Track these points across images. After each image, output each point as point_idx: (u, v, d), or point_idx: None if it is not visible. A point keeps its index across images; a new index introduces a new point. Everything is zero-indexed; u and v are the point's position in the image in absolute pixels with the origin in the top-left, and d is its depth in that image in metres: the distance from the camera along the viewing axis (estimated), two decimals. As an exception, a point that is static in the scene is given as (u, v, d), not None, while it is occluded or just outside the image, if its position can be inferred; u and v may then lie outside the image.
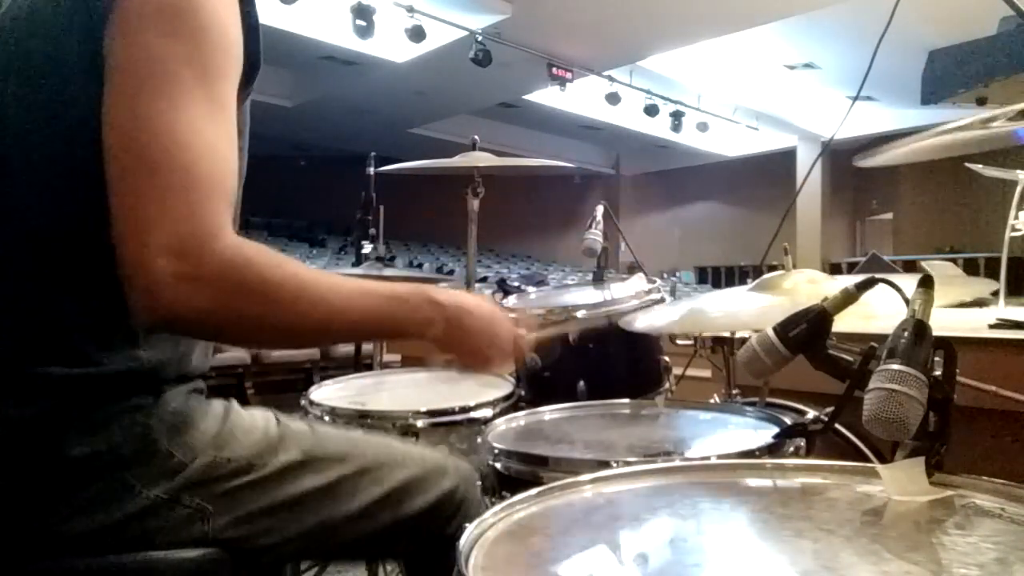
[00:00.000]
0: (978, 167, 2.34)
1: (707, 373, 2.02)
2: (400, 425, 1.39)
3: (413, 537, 1.02)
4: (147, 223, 0.74)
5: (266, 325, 0.82)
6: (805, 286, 1.22)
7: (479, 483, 1.11)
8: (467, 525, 0.69)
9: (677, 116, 11.64)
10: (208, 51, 0.81)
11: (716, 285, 14.85)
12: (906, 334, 0.71)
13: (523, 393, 1.59)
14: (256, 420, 0.96)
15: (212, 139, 0.79)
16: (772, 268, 1.42)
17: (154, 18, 0.80)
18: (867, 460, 1.14)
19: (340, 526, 0.95)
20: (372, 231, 2.50)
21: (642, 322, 1.37)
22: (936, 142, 1.15)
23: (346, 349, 4.33)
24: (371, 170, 2.49)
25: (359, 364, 2.53)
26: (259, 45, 0.89)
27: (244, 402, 0.98)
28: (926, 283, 0.77)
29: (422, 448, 1.14)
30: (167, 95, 0.78)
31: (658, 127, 12.07)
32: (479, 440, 1.19)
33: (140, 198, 0.75)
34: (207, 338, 0.90)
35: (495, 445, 1.12)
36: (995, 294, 2.05)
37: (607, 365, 1.56)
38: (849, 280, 1.03)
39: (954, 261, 7.77)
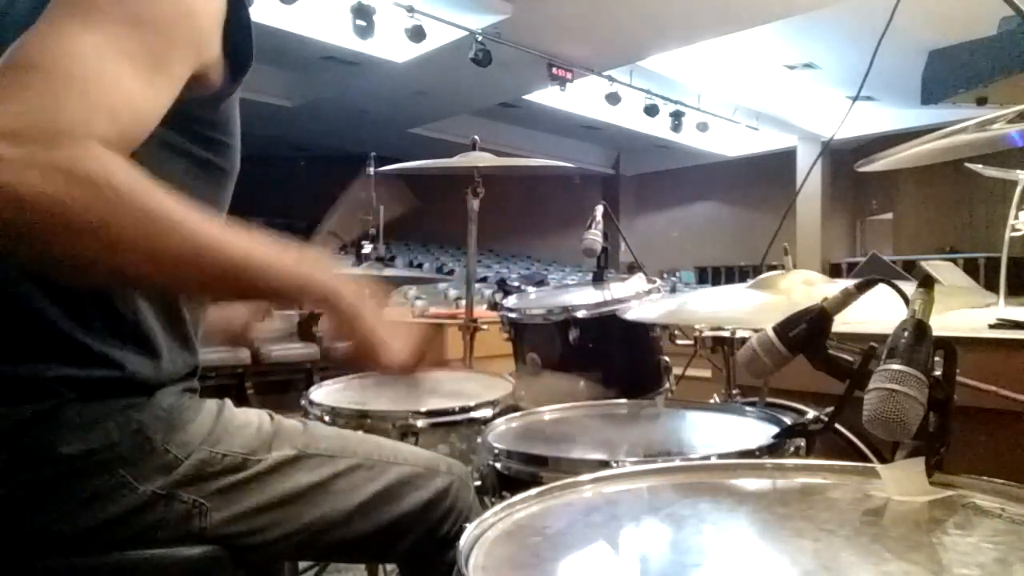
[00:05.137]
0: (978, 167, 2.34)
1: (707, 373, 2.01)
2: (400, 425, 1.39)
3: (407, 537, 1.01)
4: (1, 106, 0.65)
5: (111, 233, 0.66)
6: (801, 287, 1.22)
7: (473, 484, 1.11)
8: (467, 525, 0.69)
9: (677, 116, 11.63)
10: (153, 7, 0.76)
11: (716, 285, 14.84)
12: (906, 334, 0.71)
13: (523, 393, 1.59)
14: (250, 417, 0.96)
15: (118, 73, 0.71)
16: (772, 268, 1.42)
17: None
18: (867, 460, 1.14)
19: (335, 524, 0.95)
20: (372, 231, 2.51)
21: (634, 313, 1.37)
22: (934, 146, 1.15)
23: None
24: (371, 170, 2.49)
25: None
26: (249, 44, 0.86)
27: (244, 402, 0.98)
28: (926, 283, 0.77)
29: (414, 447, 1.15)
30: (83, 19, 0.71)
31: (658, 127, 12.06)
32: (479, 440, 1.19)
33: (4, 88, 0.66)
34: (33, 249, 0.67)
35: (495, 445, 1.12)
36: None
37: (607, 365, 1.56)
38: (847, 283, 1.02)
39: (954, 261, 7.75)
